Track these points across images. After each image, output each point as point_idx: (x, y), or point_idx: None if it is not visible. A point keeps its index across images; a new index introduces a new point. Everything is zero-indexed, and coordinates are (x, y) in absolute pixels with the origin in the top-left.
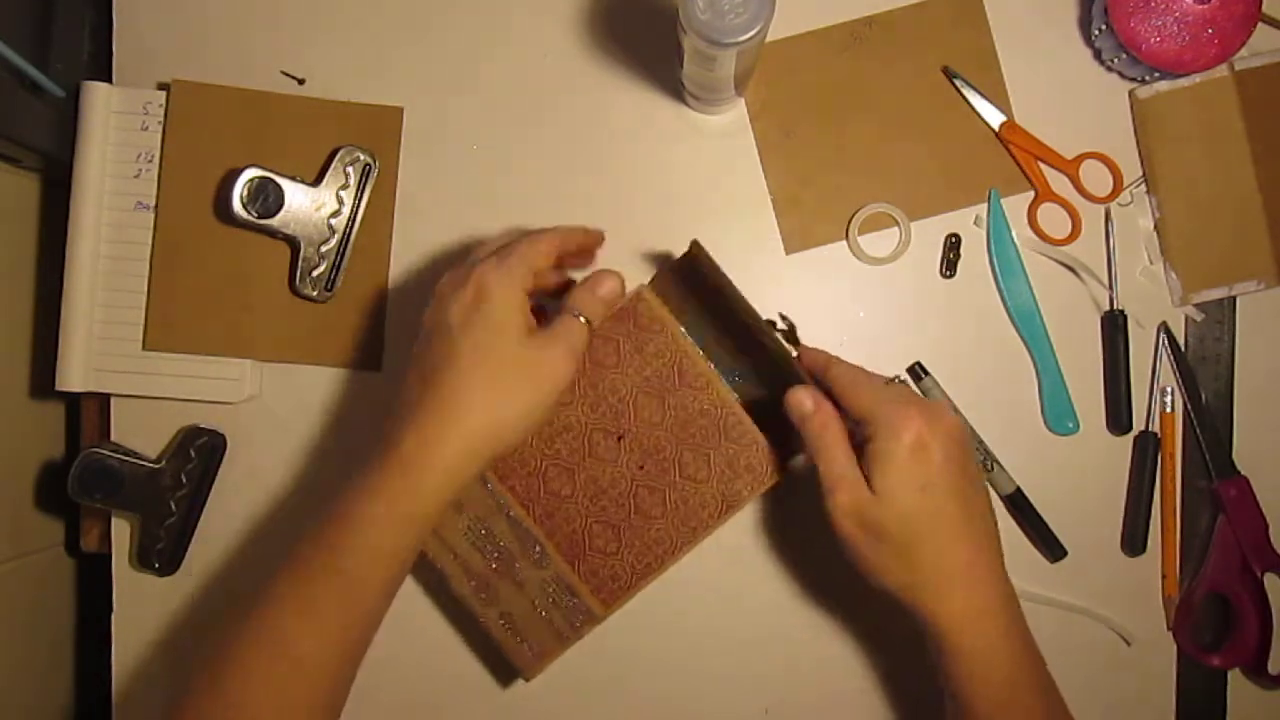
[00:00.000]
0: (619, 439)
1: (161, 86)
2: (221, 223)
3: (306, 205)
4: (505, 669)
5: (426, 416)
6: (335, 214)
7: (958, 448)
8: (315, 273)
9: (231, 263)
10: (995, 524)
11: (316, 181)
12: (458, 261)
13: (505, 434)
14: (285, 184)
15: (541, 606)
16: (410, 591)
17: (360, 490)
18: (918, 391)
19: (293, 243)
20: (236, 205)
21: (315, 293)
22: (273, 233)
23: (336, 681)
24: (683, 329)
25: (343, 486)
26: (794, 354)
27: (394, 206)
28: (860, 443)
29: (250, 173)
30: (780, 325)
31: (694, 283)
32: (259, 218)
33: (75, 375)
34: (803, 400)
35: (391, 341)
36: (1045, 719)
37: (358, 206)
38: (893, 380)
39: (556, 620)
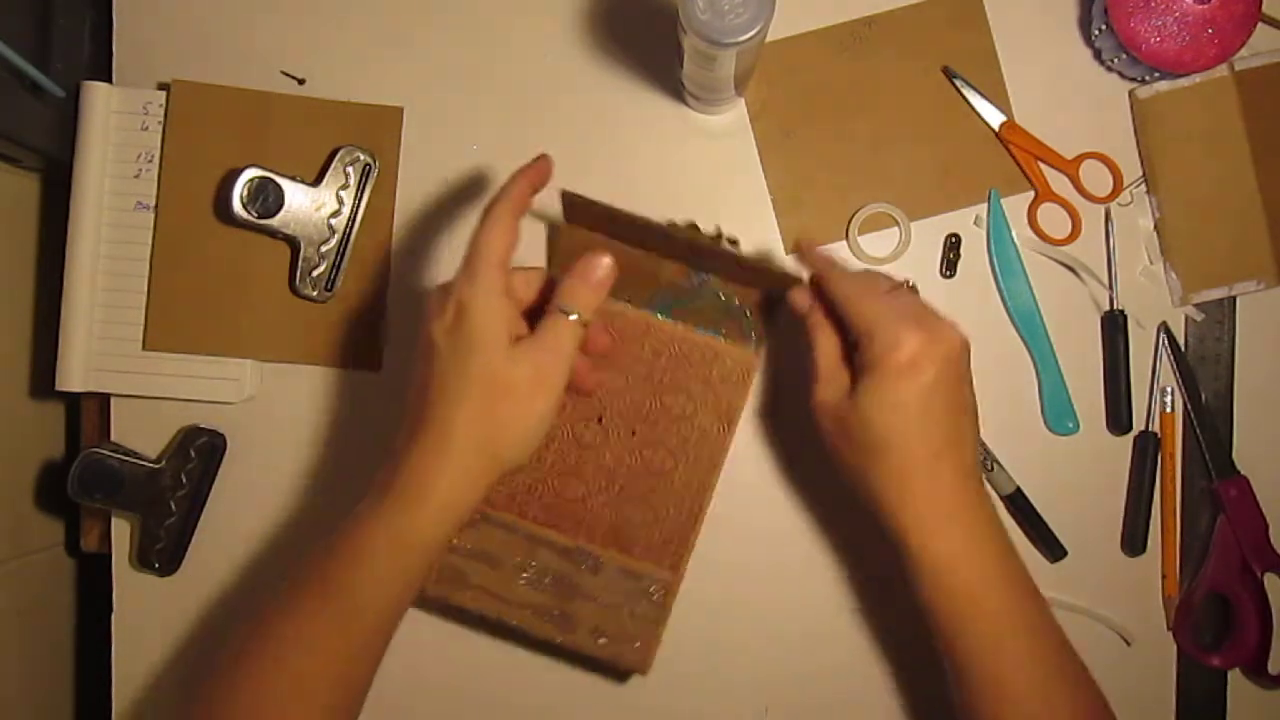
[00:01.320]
0: (599, 421)
1: (161, 86)
2: (221, 223)
3: (306, 205)
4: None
5: (420, 448)
6: (335, 214)
7: (952, 372)
8: (315, 273)
9: (231, 263)
10: (977, 459)
11: (316, 181)
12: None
13: (503, 454)
14: (285, 184)
15: (622, 604)
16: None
17: (361, 520)
18: (924, 301)
19: (293, 243)
20: (236, 205)
21: (315, 293)
22: (273, 233)
23: (341, 705)
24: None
25: (349, 513)
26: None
27: (394, 206)
28: (855, 342)
29: (250, 173)
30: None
31: (590, 227)
32: (259, 218)
33: (75, 375)
34: (800, 300)
35: (391, 341)
36: (1032, 663)
37: (358, 206)
38: (901, 285)
39: (642, 608)
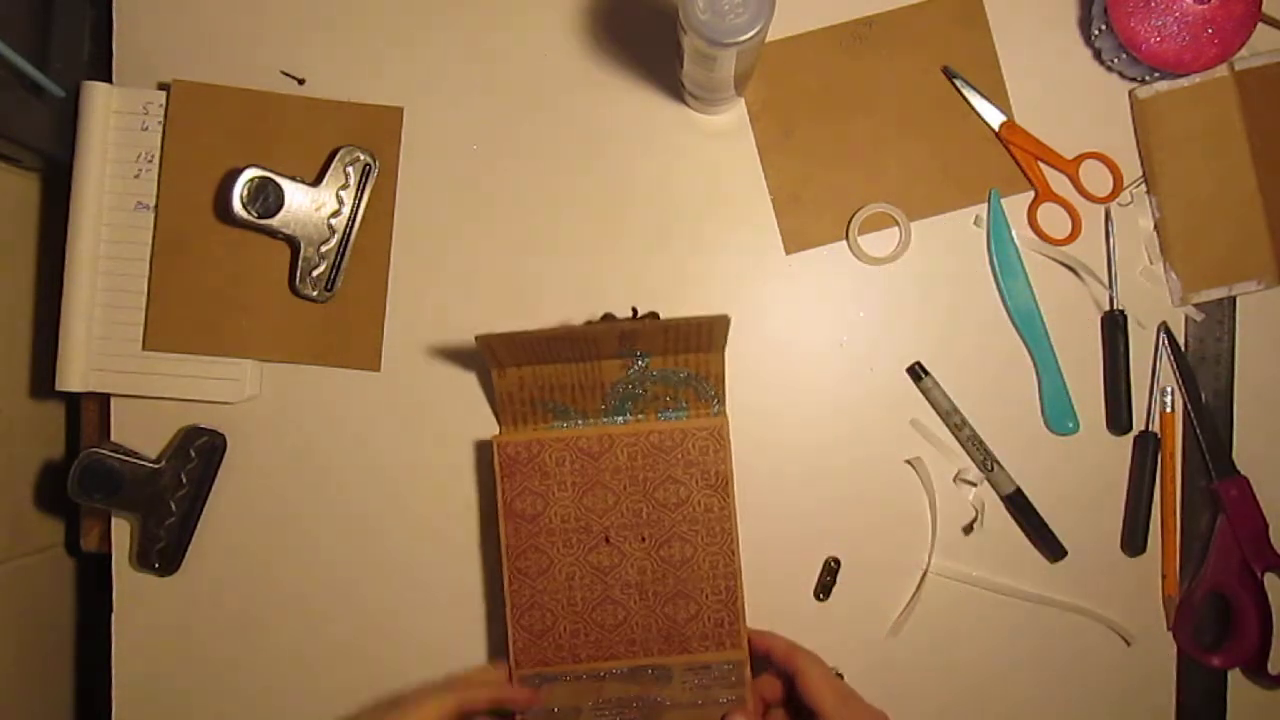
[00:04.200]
0: (607, 542)
1: (161, 86)
2: (221, 223)
3: (306, 205)
4: None
5: None
6: (335, 214)
7: None
8: (315, 273)
9: (231, 263)
10: None
11: (316, 181)
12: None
13: None
14: (285, 184)
15: (704, 698)
16: None
17: None
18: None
19: (293, 243)
20: (236, 205)
21: (315, 293)
22: (273, 233)
23: None
24: (550, 422)
25: None
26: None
27: (394, 206)
28: None
29: (250, 173)
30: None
31: (518, 362)
32: (259, 218)
33: (75, 375)
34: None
35: (391, 341)
36: None
37: (358, 206)
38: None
39: (724, 693)
